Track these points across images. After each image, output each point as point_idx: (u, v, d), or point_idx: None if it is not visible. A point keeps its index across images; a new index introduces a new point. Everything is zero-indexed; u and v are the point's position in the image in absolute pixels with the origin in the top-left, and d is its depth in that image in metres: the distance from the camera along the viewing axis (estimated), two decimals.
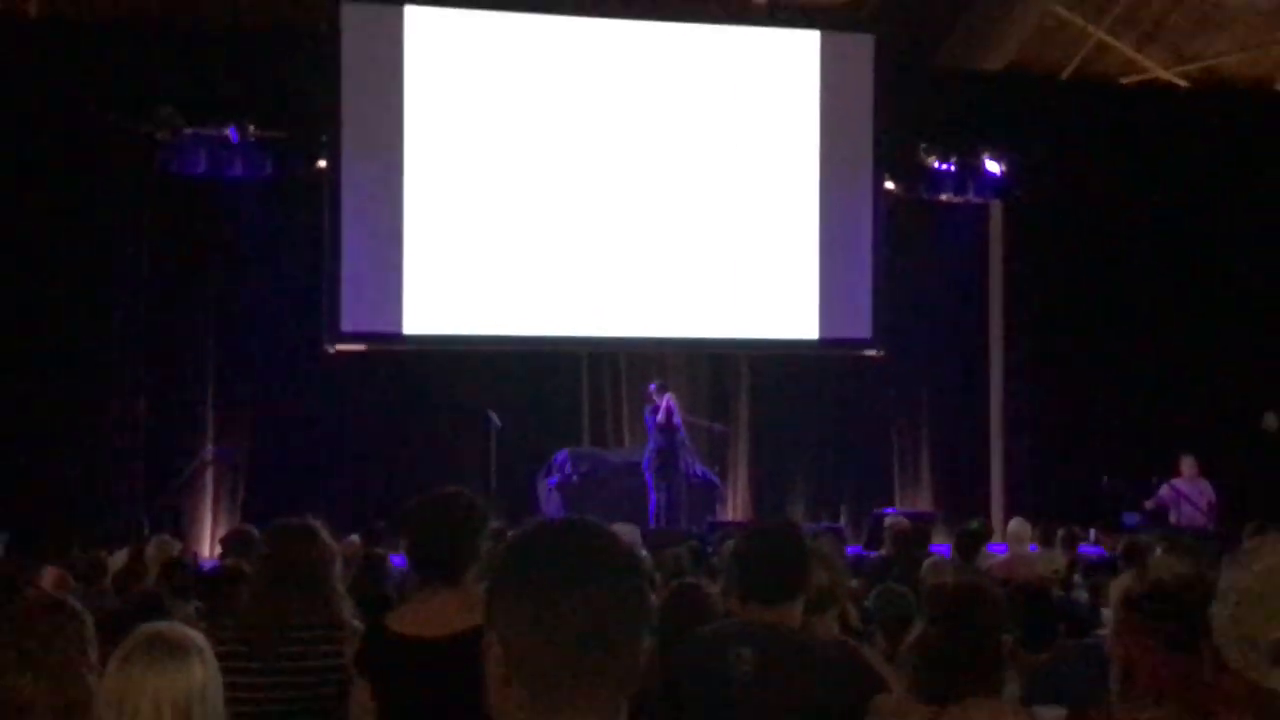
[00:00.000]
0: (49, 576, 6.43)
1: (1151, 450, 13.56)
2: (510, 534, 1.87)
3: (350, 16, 12.93)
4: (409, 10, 13.18)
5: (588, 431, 14.27)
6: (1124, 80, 15.75)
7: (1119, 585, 4.56)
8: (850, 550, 10.61)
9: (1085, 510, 12.52)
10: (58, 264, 12.52)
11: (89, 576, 6.96)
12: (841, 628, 4.37)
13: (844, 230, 14.04)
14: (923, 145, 14.49)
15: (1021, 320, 15.22)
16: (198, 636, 2.83)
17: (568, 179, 13.39)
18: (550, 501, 13.02)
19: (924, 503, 14.75)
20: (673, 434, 12.98)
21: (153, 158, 12.60)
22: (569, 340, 13.78)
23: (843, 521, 14.08)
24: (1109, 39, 15.36)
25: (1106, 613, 5.32)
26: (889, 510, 13.41)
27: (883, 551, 9.53)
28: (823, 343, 14.23)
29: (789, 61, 14.03)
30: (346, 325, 12.93)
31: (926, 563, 7.44)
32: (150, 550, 7.95)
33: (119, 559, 7.95)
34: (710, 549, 8.60)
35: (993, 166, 14.66)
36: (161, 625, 2.87)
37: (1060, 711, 3.40)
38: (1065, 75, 15.54)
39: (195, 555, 10.37)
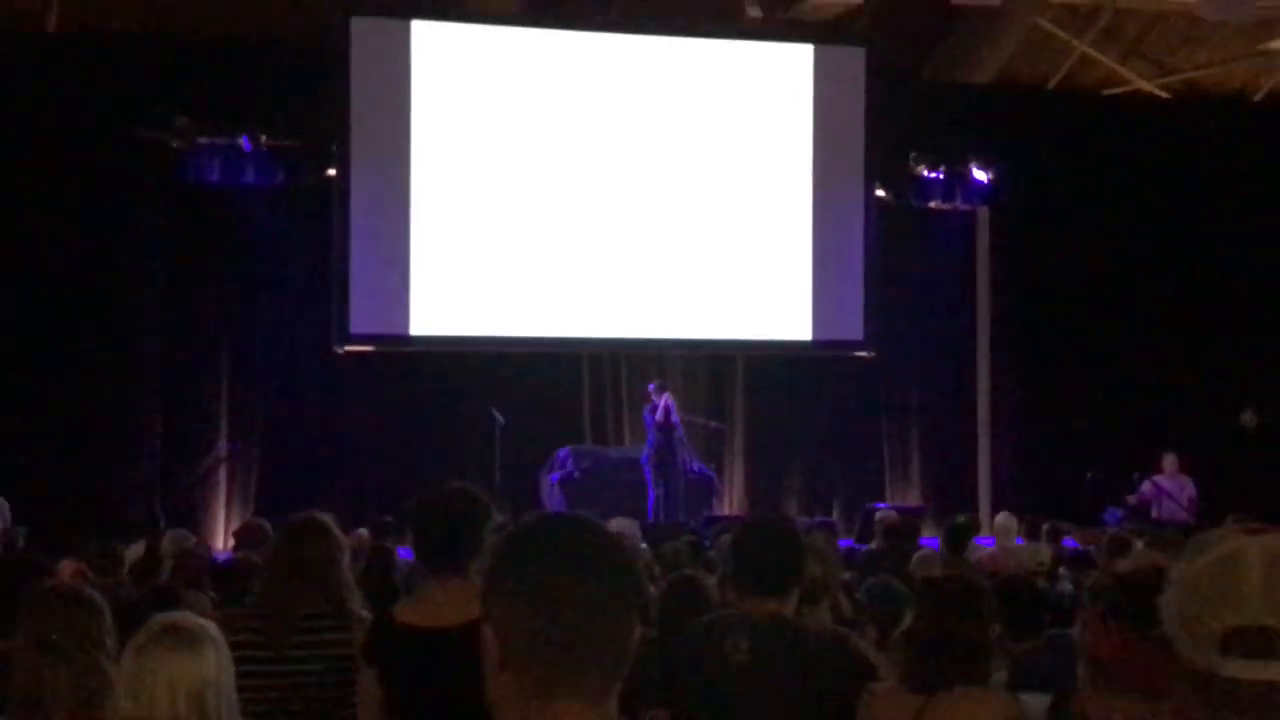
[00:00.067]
0: (67, 568, 6.41)
1: (1134, 447, 13.54)
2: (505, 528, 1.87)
3: (359, 31, 12.93)
4: (415, 25, 13.18)
5: (589, 429, 14.26)
6: (1107, 92, 15.75)
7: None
8: (842, 543, 10.61)
9: (1070, 505, 12.50)
10: (77, 267, 12.53)
11: (106, 568, 6.94)
12: (834, 618, 4.37)
13: (836, 236, 14.04)
14: (912, 154, 14.49)
15: (1008, 322, 15.22)
16: (210, 626, 2.83)
17: (569, 186, 13.38)
18: (553, 497, 13.01)
19: (914, 498, 14.74)
20: (671, 432, 12.98)
21: (169, 166, 12.62)
22: (571, 341, 13.78)
23: (835, 516, 14.07)
24: (1093, 52, 15.36)
25: None
26: (880, 505, 13.40)
27: (874, 545, 9.51)
28: (816, 344, 14.23)
29: (784, 74, 14.02)
30: (355, 327, 12.93)
31: (916, 556, 7.43)
32: (166, 543, 7.93)
33: (135, 551, 7.93)
34: (707, 543, 8.59)
35: (980, 175, 14.65)
36: (176, 615, 2.88)
37: (1045, 698, 3.39)
38: (1050, 87, 15.54)
39: (209, 548, 10.35)
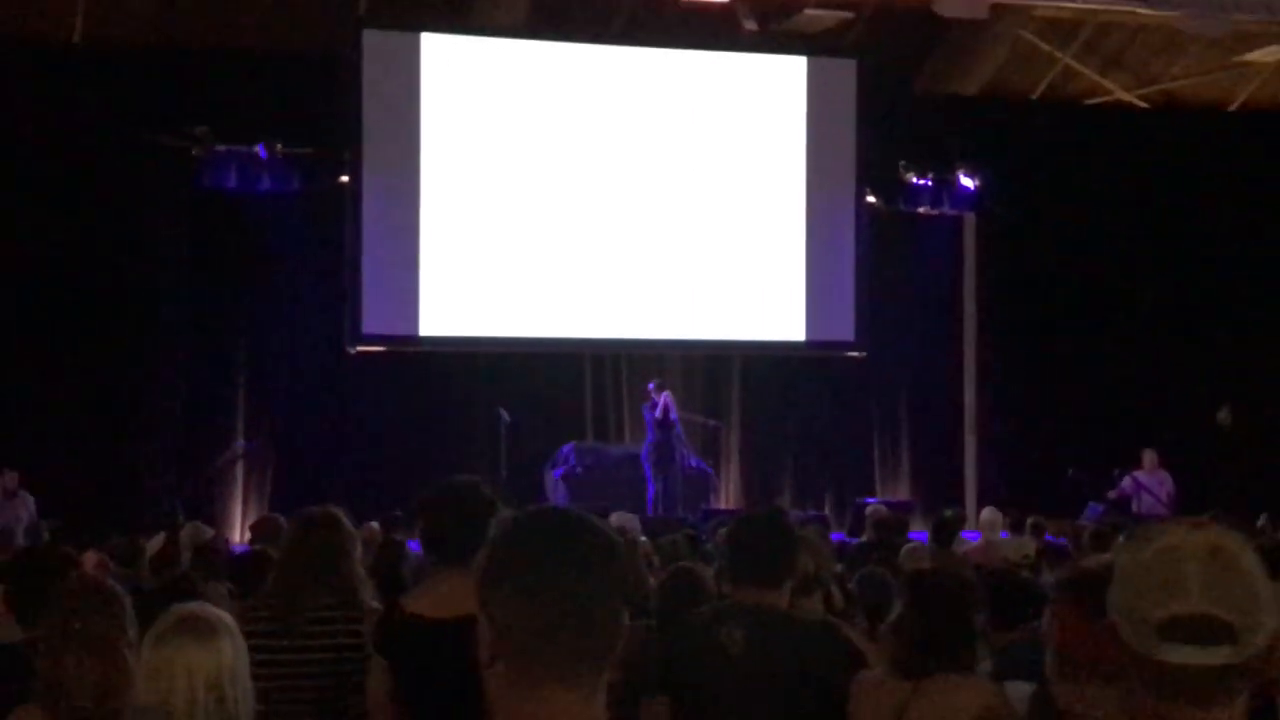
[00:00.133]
0: (90, 560, 6.40)
1: (1114, 444, 13.54)
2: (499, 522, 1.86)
3: (371, 44, 12.93)
4: (425, 38, 13.19)
5: (591, 426, 14.25)
6: (1089, 102, 15.74)
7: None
8: (834, 536, 10.58)
9: (1052, 500, 12.50)
10: (100, 270, 12.54)
11: (127, 560, 6.94)
12: (826, 609, 4.37)
13: (829, 240, 14.04)
14: (902, 162, 14.48)
15: (993, 323, 15.22)
16: (226, 616, 2.83)
17: (573, 190, 13.38)
18: (556, 491, 13.01)
19: (903, 493, 14.73)
20: (669, 429, 12.97)
21: (189, 173, 12.61)
22: (574, 342, 13.79)
23: (827, 510, 14.06)
24: (1075, 64, 15.36)
25: None
26: (870, 499, 13.42)
27: (864, 538, 9.48)
28: (809, 344, 14.23)
29: (778, 85, 14.03)
30: (367, 328, 12.93)
31: (905, 548, 7.42)
32: (184, 536, 7.91)
33: (155, 544, 7.91)
34: (705, 536, 8.57)
35: (967, 182, 14.64)
36: (193, 606, 2.88)
37: (1028, 687, 3.39)
38: (1034, 97, 15.54)
39: (226, 541, 10.33)
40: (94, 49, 12.87)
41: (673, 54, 13.80)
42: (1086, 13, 14.14)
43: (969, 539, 9.66)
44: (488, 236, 13.19)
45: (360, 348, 13.07)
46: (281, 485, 12.90)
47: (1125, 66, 15.66)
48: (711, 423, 14.33)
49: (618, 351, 14.35)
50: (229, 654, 2.72)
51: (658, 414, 12.94)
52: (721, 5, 12.50)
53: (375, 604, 3.73)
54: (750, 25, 13.81)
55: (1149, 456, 12.96)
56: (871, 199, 14.35)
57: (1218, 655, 1.51)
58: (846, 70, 14.12)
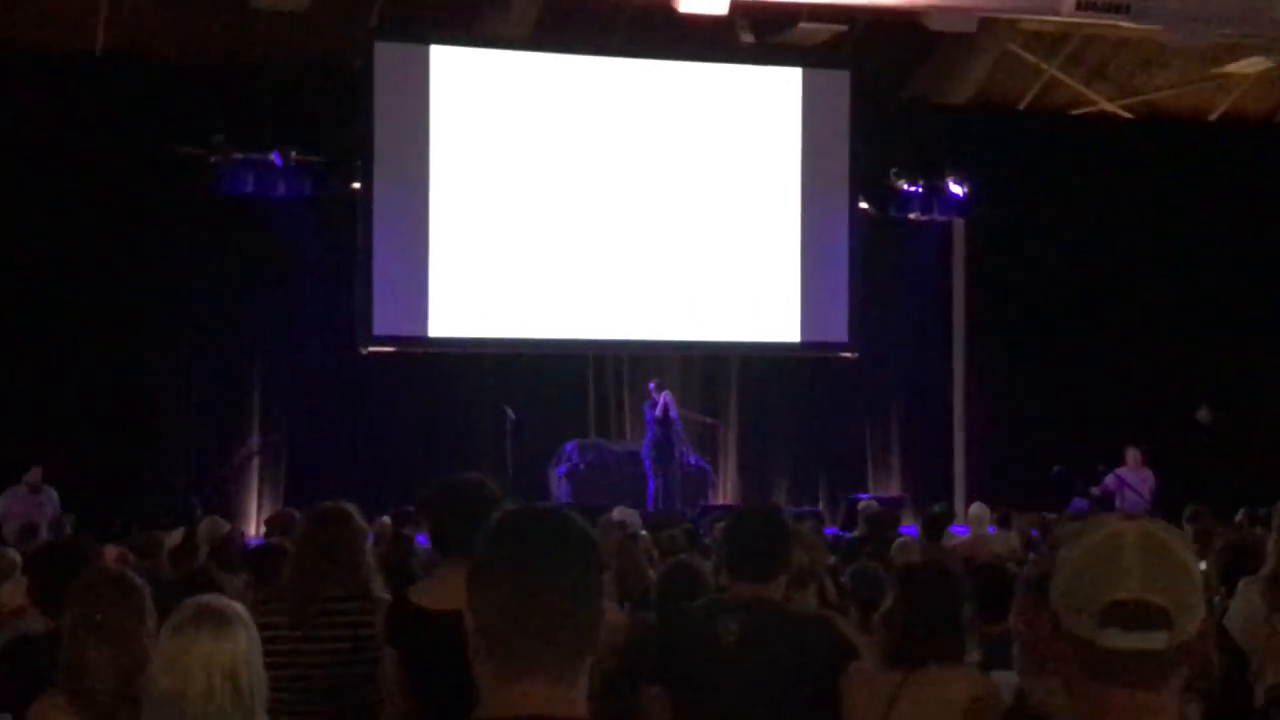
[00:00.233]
0: (111, 553, 6.41)
1: (1099, 441, 13.53)
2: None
3: (382, 55, 12.95)
4: (434, 50, 13.20)
5: (593, 424, 14.25)
6: (1074, 112, 15.74)
7: None
8: (828, 531, 10.59)
9: (1038, 496, 12.48)
10: (122, 272, 12.55)
11: (147, 553, 6.94)
12: (820, 601, 4.37)
13: (823, 245, 14.04)
14: (893, 169, 14.49)
15: (982, 325, 15.22)
16: (240, 607, 2.83)
17: (576, 198, 13.38)
18: (560, 487, 13.01)
19: (894, 489, 14.73)
20: (669, 427, 12.97)
21: (206, 179, 12.61)
22: (577, 343, 13.79)
23: (821, 505, 14.08)
24: (1061, 75, 15.36)
25: None
26: (863, 495, 13.42)
27: (857, 532, 9.50)
28: (804, 345, 14.23)
29: (774, 95, 14.03)
30: (377, 329, 12.94)
31: (896, 543, 7.41)
32: (202, 530, 7.92)
33: (174, 538, 7.92)
34: (703, 530, 8.58)
35: (956, 189, 14.66)
36: (208, 597, 2.87)
37: (1015, 677, 3.39)
38: (1021, 107, 15.55)
39: (243, 534, 10.31)
40: (115, 60, 12.89)
41: (673, 65, 13.80)
42: (1071, 26, 14.13)
43: (958, 533, 9.67)
44: (495, 241, 13.19)
45: (371, 348, 13.07)
46: (295, 481, 12.90)
47: (1109, 78, 15.66)
48: (710, 421, 14.33)
49: (619, 352, 14.35)
50: (243, 644, 2.72)
51: (658, 413, 12.94)
52: (720, 19, 12.50)
53: (386, 596, 3.72)
54: (748, 38, 13.81)
55: (1132, 454, 12.93)
56: (864, 205, 14.35)
57: (1156, 640, 1.52)
58: (840, 81, 14.13)
